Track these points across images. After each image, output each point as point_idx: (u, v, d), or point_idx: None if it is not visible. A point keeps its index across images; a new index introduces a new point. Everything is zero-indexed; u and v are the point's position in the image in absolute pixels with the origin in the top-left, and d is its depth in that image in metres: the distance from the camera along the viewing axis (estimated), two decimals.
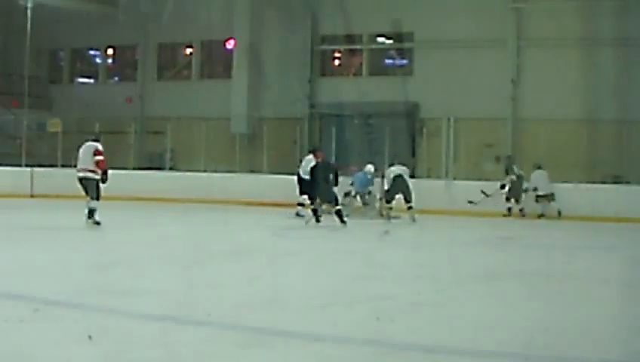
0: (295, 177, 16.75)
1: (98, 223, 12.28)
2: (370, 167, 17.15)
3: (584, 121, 19.73)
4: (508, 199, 18.05)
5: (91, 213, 12.29)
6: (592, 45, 20.39)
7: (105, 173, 12.46)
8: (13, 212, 15.85)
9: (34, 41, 24.66)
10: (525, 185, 18.05)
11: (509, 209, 18.09)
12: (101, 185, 12.48)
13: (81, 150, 12.76)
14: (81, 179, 12.50)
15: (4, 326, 5.30)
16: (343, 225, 14.00)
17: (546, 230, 15.10)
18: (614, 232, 15.06)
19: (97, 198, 12.41)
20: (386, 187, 16.31)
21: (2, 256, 8.98)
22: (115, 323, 5.59)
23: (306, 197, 16.18)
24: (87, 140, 12.90)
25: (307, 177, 15.81)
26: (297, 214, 16.22)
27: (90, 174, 12.43)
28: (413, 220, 15.74)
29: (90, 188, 12.38)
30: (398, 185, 16.08)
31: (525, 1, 21.76)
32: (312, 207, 14.71)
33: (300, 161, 17.07)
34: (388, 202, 16.24)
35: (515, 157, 19.20)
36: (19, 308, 5.90)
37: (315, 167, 14.91)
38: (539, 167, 18.40)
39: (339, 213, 14.22)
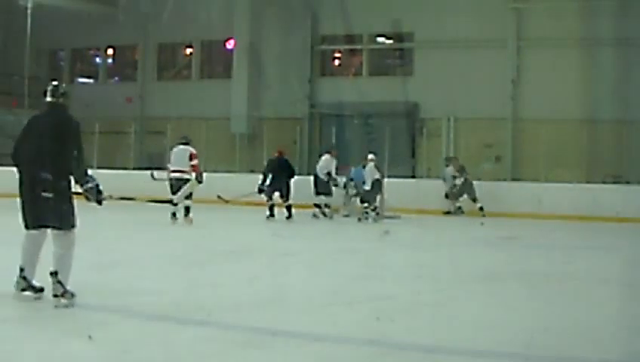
0: (312, 178, 16.85)
1: (191, 221, 13.71)
2: (371, 156, 17.12)
3: (584, 121, 19.71)
4: (447, 196, 18.17)
5: (187, 210, 13.74)
6: (592, 45, 20.37)
7: (201, 174, 13.86)
8: (13, 212, 15.81)
9: (34, 41, 24.67)
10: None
11: (458, 207, 18.20)
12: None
13: (173, 153, 14.06)
14: (175, 179, 13.74)
15: (4, 325, 5.30)
16: (289, 219, 15.21)
17: (546, 230, 15.10)
18: (614, 232, 15.06)
19: (190, 197, 13.79)
20: (366, 186, 16.20)
21: (2, 256, 8.97)
22: (115, 323, 5.59)
23: (322, 197, 16.31)
24: (178, 144, 14.15)
25: (323, 177, 16.00)
26: (314, 215, 16.22)
27: (184, 175, 13.73)
28: (376, 221, 15.77)
29: (184, 188, 13.67)
30: (377, 187, 16.08)
31: (525, 1, 21.74)
32: (271, 203, 15.41)
33: (317, 163, 17.07)
34: (367, 202, 16.08)
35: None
36: (19, 308, 5.90)
37: (272, 161, 15.91)
38: (447, 165, 18.53)
39: (289, 208, 15.34)
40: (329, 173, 16.48)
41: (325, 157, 16.88)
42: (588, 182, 18.39)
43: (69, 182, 5.90)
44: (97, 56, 29.60)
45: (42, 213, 5.88)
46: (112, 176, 21.03)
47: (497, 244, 12.53)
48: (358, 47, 24.37)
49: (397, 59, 24.16)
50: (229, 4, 24.25)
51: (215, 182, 20.73)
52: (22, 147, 6.05)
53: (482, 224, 15.62)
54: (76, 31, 26.95)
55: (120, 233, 12.36)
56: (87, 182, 5.97)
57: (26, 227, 6.02)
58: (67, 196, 5.88)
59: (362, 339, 5.22)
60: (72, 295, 5.89)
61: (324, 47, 24.79)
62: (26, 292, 6.05)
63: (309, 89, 24.37)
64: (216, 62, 27.38)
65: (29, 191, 5.96)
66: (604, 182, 18.95)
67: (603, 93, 19.68)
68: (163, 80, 27.38)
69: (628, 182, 19.04)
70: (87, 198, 5.99)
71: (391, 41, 24.31)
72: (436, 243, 12.69)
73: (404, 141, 21.78)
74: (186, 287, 7.14)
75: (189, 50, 27.42)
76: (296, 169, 17.08)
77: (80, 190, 5.98)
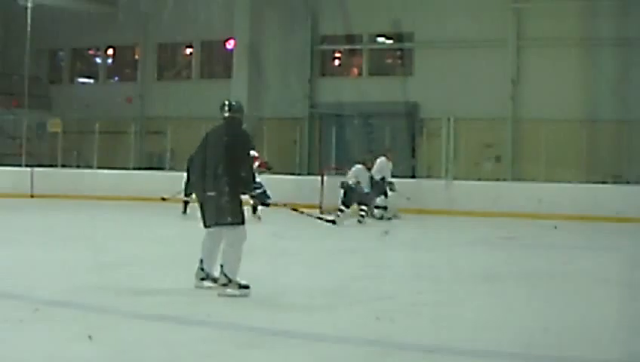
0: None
1: (260, 218, 14.39)
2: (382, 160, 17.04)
3: (584, 121, 19.70)
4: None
5: (255, 208, 14.22)
6: (592, 45, 20.38)
7: (269, 169, 15.11)
8: (13, 212, 15.85)
9: (34, 41, 24.65)
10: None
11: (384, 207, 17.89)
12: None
13: None
14: None
15: (4, 326, 5.30)
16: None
17: (545, 230, 15.09)
18: (614, 232, 15.05)
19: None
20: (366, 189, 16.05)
21: (2, 256, 8.98)
22: (115, 323, 5.60)
23: (377, 200, 16.14)
24: None
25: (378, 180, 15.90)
26: (361, 217, 16.02)
27: None
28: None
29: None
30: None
31: (525, 1, 21.76)
32: (186, 199, 15.50)
33: (345, 171, 16.85)
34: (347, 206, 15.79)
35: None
36: (19, 308, 5.90)
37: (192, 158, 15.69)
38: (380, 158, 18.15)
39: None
40: (383, 178, 16.30)
41: (380, 160, 16.60)
42: (588, 182, 18.37)
43: (237, 185, 6.69)
44: (97, 56, 29.61)
45: (213, 213, 6.70)
46: (112, 176, 21.15)
47: (497, 244, 12.51)
48: (358, 47, 24.37)
49: (397, 59, 24.18)
50: (229, 4, 24.24)
51: None
52: (197, 156, 6.98)
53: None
54: (76, 31, 26.95)
55: (120, 233, 12.36)
56: (256, 188, 7.03)
57: (204, 226, 6.83)
58: (234, 197, 6.67)
59: (362, 339, 5.22)
60: (242, 286, 6.54)
61: (324, 47, 24.79)
62: (205, 282, 6.83)
63: (309, 89, 24.38)
64: (216, 62, 27.39)
65: (202, 195, 6.81)
66: (604, 182, 18.94)
67: (603, 93, 19.68)
68: (163, 80, 27.39)
69: (628, 182, 19.03)
70: (256, 203, 6.92)
71: (391, 41, 24.32)
72: (436, 243, 12.68)
73: (404, 141, 21.79)
74: (186, 287, 7.13)
75: (189, 50, 27.43)
76: (297, 169, 17.08)
77: (249, 195, 6.98)
